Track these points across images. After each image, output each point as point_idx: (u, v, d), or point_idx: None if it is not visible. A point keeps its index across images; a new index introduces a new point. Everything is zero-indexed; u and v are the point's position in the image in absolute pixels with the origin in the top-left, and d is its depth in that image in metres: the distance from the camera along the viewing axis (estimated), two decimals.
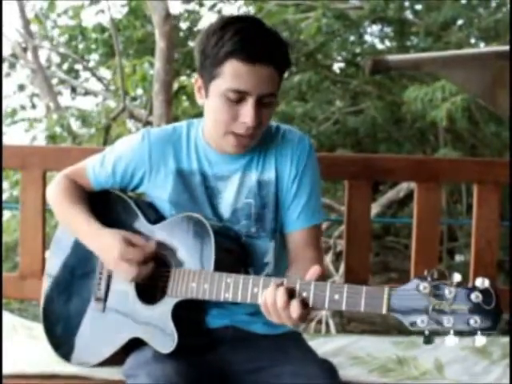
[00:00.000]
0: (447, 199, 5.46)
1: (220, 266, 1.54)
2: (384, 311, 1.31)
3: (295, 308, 1.36)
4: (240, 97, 1.54)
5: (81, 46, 7.63)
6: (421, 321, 1.27)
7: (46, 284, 1.87)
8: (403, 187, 4.92)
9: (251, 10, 6.56)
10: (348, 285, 1.36)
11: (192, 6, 7.40)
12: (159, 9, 4.48)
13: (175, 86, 5.63)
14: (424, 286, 1.27)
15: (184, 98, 6.59)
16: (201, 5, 7.36)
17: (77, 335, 1.77)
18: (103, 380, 1.76)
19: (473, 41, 5.94)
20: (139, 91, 6.27)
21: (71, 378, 1.77)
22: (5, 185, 6.06)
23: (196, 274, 1.55)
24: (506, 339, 2.09)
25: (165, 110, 4.54)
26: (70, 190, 1.78)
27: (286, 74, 1.69)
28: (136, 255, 1.60)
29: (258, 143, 1.68)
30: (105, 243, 1.64)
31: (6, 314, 2.22)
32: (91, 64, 7.93)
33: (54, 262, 1.86)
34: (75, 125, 6.51)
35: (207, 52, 1.56)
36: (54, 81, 7.82)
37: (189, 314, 1.62)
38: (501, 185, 2.16)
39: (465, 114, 4.53)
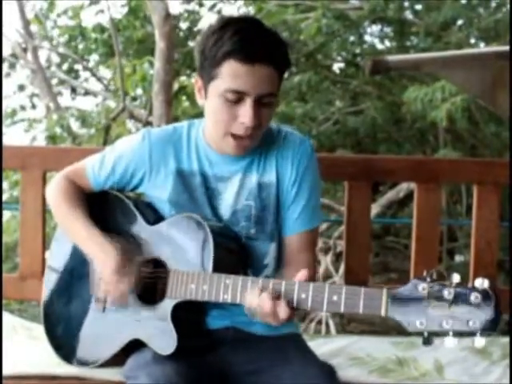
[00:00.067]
0: (447, 200, 5.46)
1: (219, 267, 1.54)
2: (383, 313, 1.31)
3: (282, 310, 1.39)
4: (239, 97, 1.54)
5: (81, 46, 7.63)
6: (420, 322, 1.26)
7: (45, 284, 1.86)
8: (403, 188, 4.92)
9: (251, 10, 6.56)
10: (346, 286, 1.36)
11: (192, 6, 7.40)
12: (159, 9, 4.48)
13: (175, 86, 5.63)
14: (423, 287, 1.26)
15: (184, 98, 6.59)
16: (200, 5, 7.36)
17: (77, 336, 1.77)
18: (103, 381, 1.76)
19: (473, 41, 5.94)
20: (139, 91, 6.27)
21: (71, 378, 1.77)
22: (5, 185, 6.06)
23: (195, 275, 1.55)
24: (506, 339, 2.09)
25: (165, 111, 4.54)
26: (69, 192, 1.77)
27: (285, 75, 1.68)
28: (127, 282, 1.62)
29: (259, 145, 1.68)
30: (99, 257, 1.65)
31: (5, 315, 2.22)
32: (91, 64, 7.93)
33: (55, 261, 1.86)
34: (75, 125, 6.51)
35: (206, 52, 1.56)
36: (54, 81, 7.82)
37: (189, 315, 1.62)
38: (501, 185, 2.16)
39: (465, 115, 4.53)
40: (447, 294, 1.24)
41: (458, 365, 1.96)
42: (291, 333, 1.75)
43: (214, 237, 1.56)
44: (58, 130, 6.10)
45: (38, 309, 1.90)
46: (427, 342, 1.26)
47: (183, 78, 6.57)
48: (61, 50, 7.81)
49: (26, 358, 1.88)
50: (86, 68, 7.91)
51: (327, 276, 4.74)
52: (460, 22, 5.99)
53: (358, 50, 6.28)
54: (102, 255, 1.63)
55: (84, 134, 6.51)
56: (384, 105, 5.83)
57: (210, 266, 1.54)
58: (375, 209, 4.78)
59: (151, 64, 5.29)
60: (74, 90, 7.95)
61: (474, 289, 1.23)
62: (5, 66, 7.61)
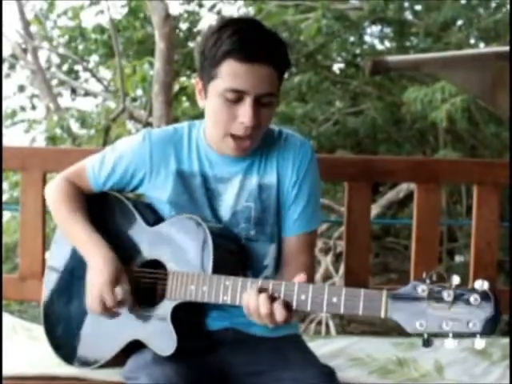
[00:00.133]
0: (447, 200, 5.46)
1: (219, 269, 1.54)
2: (382, 315, 1.30)
3: (278, 312, 1.39)
4: (238, 96, 1.54)
5: (81, 47, 7.64)
6: (419, 324, 1.26)
7: (46, 285, 1.86)
8: (403, 188, 4.92)
9: (251, 10, 6.56)
10: (346, 288, 1.36)
11: (192, 6, 7.40)
12: (159, 10, 4.48)
13: (176, 87, 5.63)
14: (422, 289, 1.26)
15: (184, 98, 6.59)
16: (200, 6, 7.37)
17: (77, 337, 1.76)
18: (103, 381, 1.76)
19: (472, 41, 5.95)
20: (139, 92, 6.28)
21: (71, 379, 1.76)
22: (4, 186, 6.07)
23: (195, 276, 1.55)
24: (506, 340, 2.09)
25: (165, 111, 4.55)
26: (69, 194, 1.76)
27: (286, 75, 1.68)
28: (111, 304, 1.60)
29: (260, 146, 1.68)
30: (93, 272, 1.63)
31: (5, 316, 2.22)
32: (91, 65, 7.93)
33: (55, 262, 1.86)
34: (75, 126, 6.51)
35: (206, 53, 1.56)
36: (54, 82, 7.82)
37: (188, 317, 1.62)
38: (501, 186, 2.16)
39: (464, 115, 4.53)
40: (447, 295, 1.24)
41: (458, 365, 1.96)
42: (291, 334, 1.74)
43: (213, 238, 1.56)
44: (57, 131, 6.11)
45: (38, 309, 1.90)
46: (427, 343, 1.26)
47: (183, 79, 6.58)
48: (61, 50, 7.81)
49: (26, 359, 1.88)
50: (85, 69, 7.91)
51: (327, 276, 4.75)
52: (460, 23, 6.00)
53: (357, 51, 6.29)
54: (99, 262, 1.62)
55: (84, 134, 6.51)
56: (384, 105, 5.83)
57: (209, 267, 1.54)
58: (375, 209, 4.78)
59: (151, 65, 5.30)
60: (74, 91, 7.96)
61: (473, 290, 1.23)
62: (5, 66, 7.61)
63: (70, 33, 7.62)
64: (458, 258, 5.88)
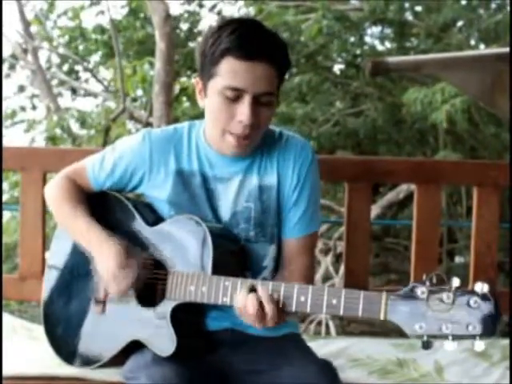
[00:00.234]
0: (447, 201, 5.47)
1: (218, 269, 1.54)
2: (382, 317, 1.30)
3: (269, 313, 1.41)
4: (237, 95, 1.54)
5: (81, 47, 7.64)
6: (419, 326, 1.26)
7: (45, 283, 1.86)
8: (403, 189, 4.92)
9: (251, 11, 6.57)
10: (346, 289, 1.36)
11: (192, 7, 7.41)
12: (159, 10, 4.48)
13: (176, 87, 5.63)
14: (422, 291, 1.26)
15: (184, 99, 6.59)
16: (201, 6, 7.37)
17: (77, 336, 1.76)
18: (103, 382, 1.76)
19: (473, 42, 5.95)
20: (139, 92, 6.28)
21: (71, 379, 1.76)
22: (4, 186, 6.07)
23: (194, 276, 1.55)
24: (506, 341, 2.09)
25: (165, 112, 4.55)
26: (69, 191, 1.77)
27: (286, 76, 1.68)
28: (127, 281, 1.60)
29: (260, 146, 1.68)
30: (102, 258, 1.63)
31: (5, 316, 2.22)
32: (91, 65, 7.94)
33: (55, 260, 1.86)
34: (75, 126, 6.51)
35: (206, 52, 1.57)
36: (54, 82, 7.82)
37: (188, 317, 1.62)
38: (500, 187, 2.16)
39: (464, 116, 4.54)
40: (447, 297, 1.24)
41: (457, 366, 1.96)
42: (291, 333, 1.74)
43: (213, 238, 1.56)
44: (57, 131, 6.11)
45: (38, 309, 1.90)
46: (426, 345, 1.26)
47: (184, 79, 6.57)
48: (61, 50, 7.81)
49: (26, 359, 1.88)
50: (86, 69, 7.92)
51: (327, 277, 4.75)
52: (460, 24, 6.00)
53: (358, 51, 6.29)
54: (105, 252, 1.63)
55: (84, 135, 6.51)
56: (384, 106, 5.83)
57: (209, 267, 1.54)
58: (375, 210, 4.78)
59: (151, 65, 5.30)
60: (74, 91, 7.96)
61: (473, 293, 1.23)
62: (5, 66, 7.62)
63: (70, 33, 7.62)
64: (458, 259, 5.89)
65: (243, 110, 1.54)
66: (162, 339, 1.57)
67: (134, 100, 6.90)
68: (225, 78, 1.54)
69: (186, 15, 7.34)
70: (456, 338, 1.24)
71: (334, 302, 1.35)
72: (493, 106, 2.73)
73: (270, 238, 1.70)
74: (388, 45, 6.56)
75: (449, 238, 5.57)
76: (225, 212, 1.69)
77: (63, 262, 1.82)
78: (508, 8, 5.45)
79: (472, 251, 2.16)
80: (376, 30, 6.40)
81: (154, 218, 1.73)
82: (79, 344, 1.76)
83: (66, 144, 6.03)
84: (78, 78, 8.00)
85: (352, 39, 6.22)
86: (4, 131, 7.11)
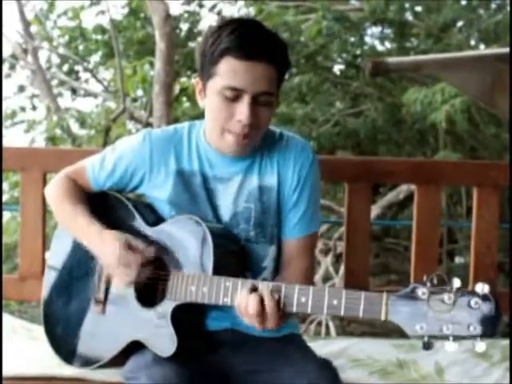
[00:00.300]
0: (447, 201, 5.46)
1: (219, 269, 1.54)
2: (383, 318, 1.30)
3: (269, 313, 1.40)
4: (236, 94, 1.54)
5: (81, 48, 7.64)
6: (420, 327, 1.26)
7: (45, 283, 1.86)
8: (403, 189, 4.92)
9: (251, 11, 6.57)
10: (346, 290, 1.36)
11: (192, 7, 7.41)
12: (159, 10, 4.49)
13: (176, 88, 5.63)
14: (423, 292, 1.26)
15: (184, 99, 6.59)
16: (201, 6, 7.37)
17: (77, 337, 1.76)
18: (103, 382, 1.76)
19: (473, 42, 5.95)
20: (139, 92, 6.28)
21: (71, 380, 1.76)
22: (4, 186, 6.07)
23: (195, 277, 1.55)
24: (506, 342, 2.09)
25: (165, 112, 4.55)
26: (70, 190, 1.77)
27: (286, 76, 1.68)
28: (135, 260, 1.60)
29: (260, 147, 1.68)
30: (105, 246, 1.64)
31: (5, 316, 2.22)
32: (91, 65, 7.94)
33: (55, 260, 1.86)
34: (75, 126, 6.51)
35: (205, 52, 1.57)
36: (54, 82, 7.82)
37: (188, 317, 1.62)
38: (500, 187, 2.16)
39: (464, 116, 4.54)
40: (447, 298, 1.24)
41: (458, 367, 1.96)
42: (291, 333, 1.74)
43: (213, 238, 1.56)
44: (57, 132, 6.11)
45: (38, 310, 1.90)
46: (427, 346, 1.26)
47: (184, 79, 6.57)
48: (61, 51, 7.81)
49: (26, 359, 1.88)
50: (86, 69, 7.92)
51: (327, 277, 4.74)
52: (460, 24, 6.00)
53: (358, 52, 6.29)
54: (108, 244, 1.62)
55: (84, 135, 6.51)
56: (384, 106, 5.83)
57: (209, 267, 1.54)
58: (375, 210, 4.78)
59: (152, 65, 5.30)
60: (74, 91, 7.96)
61: (474, 294, 1.23)
62: (5, 66, 7.62)
63: (70, 33, 7.62)
64: (458, 260, 5.89)
65: (242, 110, 1.54)
66: (163, 339, 1.57)
67: (134, 100, 6.90)
68: (224, 77, 1.54)
69: (185, 15, 7.34)
70: (457, 338, 1.24)
71: (335, 302, 1.35)
72: (493, 106, 2.73)
73: (269, 238, 1.70)
74: (388, 45, 6.56)
75: (449, 238, 5.57)
76: (225, 212, 1.69)
77: (63, 263, 1.82)
78: (508, 8, 5.45)
79: (472, 251, 2.16)
80: (376, 30, 6.41)
81: (154, 218, 1.73)
82: (79, 344, 1.76)
83: (66, 144, 6.03)
84: (78, 78, 8.00)
85: (352, 39, 6.22)
86: (4, 131, 7.11)
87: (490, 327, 1.22)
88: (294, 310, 1.41)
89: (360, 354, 2.04)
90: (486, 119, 5.31)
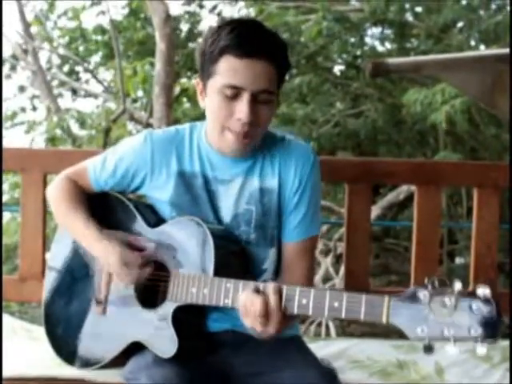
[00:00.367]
0: (447, 202, 5.46)
1: (220, 270, 1.54)
2: (384, 320, 1.30)
3: (275, 315, 1.40)
4: (236, 93, 1.54)
5: (81, 48, 7.64)
6: (421, 330, 1.26)
7: (46, 285, 1.86)
8: (403, 189, 4.92)
9: (252, 11, 6.57)
10: (348, 293, 1.36)
11: (192, 7, 7.41)
12: (159, 11, 4.49)
13: (177, 89, 5.63)
14: (424, 295, 1.26)
15: (185, 100, 6.59)
16: (201, 6, 7.37)
17: (78, 338, 1.76)
18: (103, 383, 1.76)
19: (473, 43, 5.95)
20: (140, 93, 6.28)
21: (71, 380, 1.77)
22: (4, 187, 6.07)
23: (196, 278, 1.55)
24: (506, 343, 2.09)
25: (165, 113, 4.55)
26: (70, 192, 1.77)
27: (286, 77, 1.68)
28: (135, 259, 1.61)
29: (261, 149, 1.68)
30: (104, 247, 1.64)
31: (5, 317, 2.22)
32: (92, 66, 7.94)
33: (55, 262, 1.86)
34: (75, 127, 6.52)
35: (205, 52, 1.57)
36: (55, 83, 7.83)
37: (189, 318, 1.62)
38: (500, 188, 2.16)
39: (464, 117, 4.54)
40: (448, 301, 1.23)
41: (458, 368, 1.96)
42: (292, 335, 1.74)
43: (214, 240, 1.56)
44: (58, 132, 6.11)
45: (38, 310, 1.90)
46: (428, 349, 1.26)
47: (184, 80, 6.58)
48: (61, 51, 7.82)
49: (26, 360, 1.88)
50: (86, 70, 7.92)
51: (327, 278, 4.75)
52: (460, 24, 6.01)
53: (358, 52, 6.30)
54: (105, 249, 1.63)
55: (84, 135, 6.51)
56: (384, 107, 5.84)
57: (210, 268, 1.54)
58: (375, 211, 4.78)
59: (152, 65, 5.30)
60: (74, 92, 7.96)
61: (475, 297, 1.23)
62: (5, 67, 7.62)
63: (70, 34, 7.63)
64: (459, 260, 5.89)
65: (242, 108, 1.54)
66: (163, 341, 1.57)
67: (135, 101, 6.90)
68: (224, 76, 1.54)
69: (186, 16, 7.35)
70: (458, 341, 1.23)
71: (336, 304, 1.35)
72: (493, 106, 2.72)
73: (270, 240, 1.70)
74: (388, 46, 6.57)
75: (449, 238, 5.57)
76: (226, 214, 1.69)
77: (64, 264, 1.82)
78: (508, 8, 5.45)
79: (472, 252, 2.16)
80: (376, 30, 6.42)
81: (155, 219, 1.73)
82: (80, 345, 1.76)
83: (66, 145, 6.04)
84: (78, 79, 8.01)
85: (352, 40, 6.23)
86: (4, 132, 7.12)
87: (491, 331, 1.22)
88: (295, 311, 1.41)
89: (360, 354, 2.04)
90: (486, 120, 5.31)
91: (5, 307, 3.16)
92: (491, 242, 2.14)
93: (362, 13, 5.83)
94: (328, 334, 4.25)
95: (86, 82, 8.10)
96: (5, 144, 5.02)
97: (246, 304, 1.43)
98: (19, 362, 1.86)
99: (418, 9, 6.26)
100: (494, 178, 2.14)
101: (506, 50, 2.59)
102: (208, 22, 7.30)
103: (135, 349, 1.63)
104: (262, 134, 1.64)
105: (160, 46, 4.52)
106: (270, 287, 1.43)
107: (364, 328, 4.83)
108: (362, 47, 6.30)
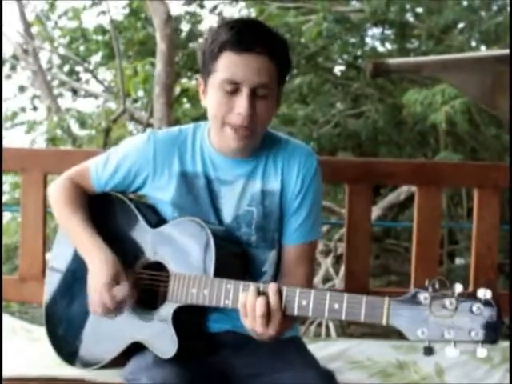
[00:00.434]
0: (448, 202, 5.46)
1: (221, 271, 1.54)
2: (384, 322, 1.30)
3: (275, 316, 1.40)
4: (235, 88, 1.55)
5: (82, 48, 7.64)
6: (421, 332, 1.26)
7: (47, 286, 1.86)
8: (404, 190, 4.92)
9: (252, 12, 6.57)
10: (348, 294, 1.36)
11: (193, 8, 7.41)
12: (160, 11, 4.49)
13: (177, 89, 5.63)
14: (425, 297, 1.26)
15: (185, 100, 6.60)
16: (202, 7, 7.37)
17: (78, 338, 1.76)
18: (103, 383, 1.76)
19: (474, 44, 5.95)
20: (140, 93, 6.28)
21: (71, 381, 1.76)
22: (5, 187, 6.07)
23: (196, 279, 1.54)
24: (506, 344, 2.08)
25: (165, 113, 4.55)
26: (71, 194, 1.77)
27: (287, 76, 1.68)
28: (112, 300, 1.59)
29: (264, 151, 1.68)
30: (94, 265, 1.64)
31: (5, 317, 2.22)
32: (92, 66, 7.94)
33: (57, 263, 1.85)
34: (75, 127, 6.52)
35: (206, 50, 1.59)
36: (55, 83, 7.83)
37: (189, 319, 1.62)
38: (501, 188, 2.16)
39: (465, 117, 4.54)
40: (449, 303, 1.23)
41: (458, 368, 1.95)
42: (292, 336, 1.74)
43: (215, 241, 1.56)
44: (58, 132, 6.11)
45: (39, 310, 1.90)
46: (429, 352, 1.25)
47: (184, 81, 6.58)
48: (62, 51, 7.82)
49: (26, 360, 1.88)
50: (86, 70, 7.92)
51: (327, 279, 4.74)
52: (461, 25, 6.00)
53: (359, 53, 6.30)
54: (98, 265, 1.62)
55: (84, 135, 6.51)
56: (385, 107, 5.84)
57: (211, 269, 1.54)
58: (376, 211, 4.78)
59: (153, 65, 5.30)
60: (75, 92, 7.96)
61: (476, 299, 1.23)
62: (6, 67, 7.62)
63: (71, 34, 7.63)
64: (459, 261, 5.89)
65: (241, 103, 1.55)
66: (164, 341, 1.56)
67: (135, 101, 6.90)
68: (223, 72, 1.55)
69: (186, 16, 7.35)
70: (458, 344, 1.23)
71: (336, 306, 1.35)
72: (493, 107, 2.73)
73: (270, 243, 1.70)
74: (389, 46, 6.56)
75: (449, 239, 5.57)
76: (227, 215, 1.69)
77: (65, 264, 1.82)
78: (508, 9, 5.45)
79: (472, 253, 2.16)
80: (377, 31, 6.42)
81: (156, 219, 1.73)
82: (80, 345, 1.76)
83: (67, 145, 6.04)
84: (78, 79, 8.01)
85: (353, 40, 6.23)
86: (4, 132, 7.12)
87: (492, 333, 1.21)
88: (296, 313, 1.41)
89: (360, 355, 2.04)
90: (486, 120, 5.31)
91: (5, 307, 3.16)
92: (491, 243, 2.14)
93: (363, 13, 5.83)
94: (328, 334, 4.25)
95: (87, 82, 8.10)
96: (5, 144, 5.03)
97: (246, 304, 1.43)
98: (19, 362, 1.86)
99: (419, 9, 6.26)
100: (495, 179, 2.14)
101: (506, 51, 2.59)
102: (208, 22, 7.30)
103: (135, 349, 1.63)
104: (261, 133, 1.64)
105: (160, 46, 4.52)
106: (271, 288, 1.43)
107: (364, 329, 4.83)
108: (363, 48, 6.30)
